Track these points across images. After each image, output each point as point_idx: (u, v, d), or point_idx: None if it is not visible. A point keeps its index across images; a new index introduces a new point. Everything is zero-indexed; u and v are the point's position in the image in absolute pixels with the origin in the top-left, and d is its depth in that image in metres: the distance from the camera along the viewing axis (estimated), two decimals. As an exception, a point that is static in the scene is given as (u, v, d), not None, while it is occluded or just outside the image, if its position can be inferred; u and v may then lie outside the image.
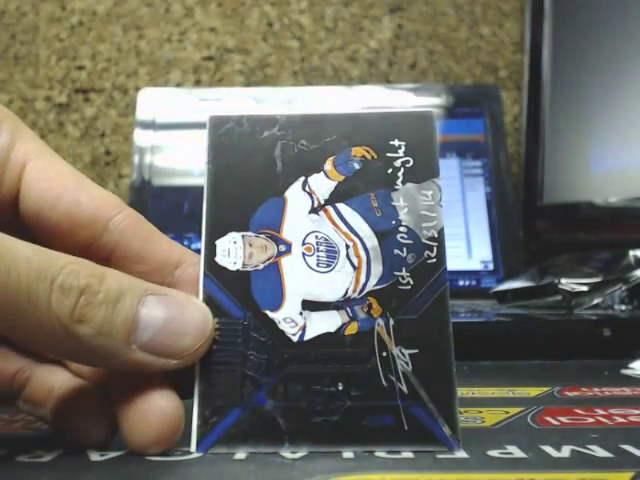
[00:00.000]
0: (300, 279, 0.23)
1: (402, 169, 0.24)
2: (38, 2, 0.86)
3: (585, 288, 0.51)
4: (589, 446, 0.22)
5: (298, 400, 0.22)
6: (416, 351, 0.22)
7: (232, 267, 0.23)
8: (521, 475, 0.19)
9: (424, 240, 0.23)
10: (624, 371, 0.38)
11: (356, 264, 0.23)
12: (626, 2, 0.70)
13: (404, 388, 0.22)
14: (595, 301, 0.51)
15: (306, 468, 0.20)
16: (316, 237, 0.23)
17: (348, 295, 0.23)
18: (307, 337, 0.22)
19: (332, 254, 0.23)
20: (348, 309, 0.22)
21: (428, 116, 0.24)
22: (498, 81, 0.85)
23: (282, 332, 0.22)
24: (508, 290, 0.59)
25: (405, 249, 0.23)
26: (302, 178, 0.24)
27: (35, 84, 0.86)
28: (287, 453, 0.21)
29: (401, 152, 0.24)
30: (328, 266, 0.23)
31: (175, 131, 0.76)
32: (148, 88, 0.79)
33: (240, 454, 0.21)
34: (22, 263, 0.19)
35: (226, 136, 0.24)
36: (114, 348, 0.20)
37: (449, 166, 0.73)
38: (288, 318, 0.22)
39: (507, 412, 0.27)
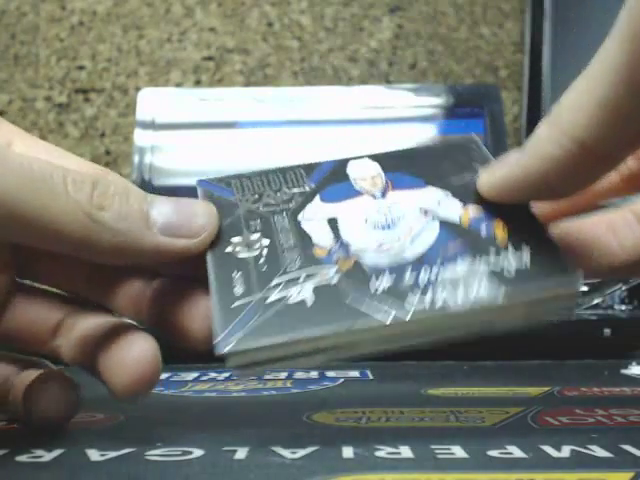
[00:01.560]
0: None
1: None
2: (38, 2, 0.86)
3: (585, 288, 0.51)
4: (589, 446, 0.22)
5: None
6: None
7: None
8: (521, 475, 0.19)
9: None
10: (624, 371, 0.38)
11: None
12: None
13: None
14: (595, 301, 0.51)
15: (306, 468, 0.20)
16: None
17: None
18: None
19: None
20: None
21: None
22: (498, 81, 0.85)
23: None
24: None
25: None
26: None
27: (35, 84, 0.86)
28: (287, 452, 0.21)
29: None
30: None
31: (175, 131, 0.76)
32: (148, 88, 0.79)
33: (240, 453, 0.21)
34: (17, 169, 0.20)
35: None
36: (136, 230, 0.21)
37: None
38: None
39: (507, 412, 0.27)
